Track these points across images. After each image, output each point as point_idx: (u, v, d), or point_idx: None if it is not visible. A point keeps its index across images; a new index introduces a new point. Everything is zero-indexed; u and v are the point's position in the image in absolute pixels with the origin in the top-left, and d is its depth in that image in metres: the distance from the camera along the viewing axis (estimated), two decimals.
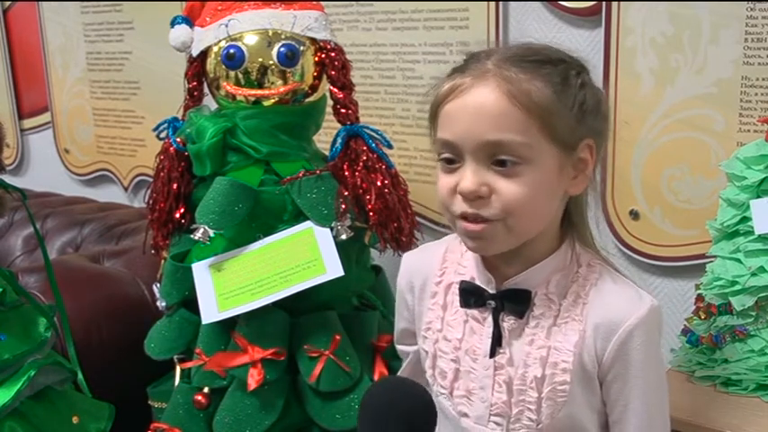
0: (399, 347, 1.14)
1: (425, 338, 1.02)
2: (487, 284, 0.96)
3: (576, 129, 0.89)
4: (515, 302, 0.94)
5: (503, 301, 0.94)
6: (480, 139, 0.86)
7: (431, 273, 1.03)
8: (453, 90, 0.89)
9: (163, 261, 1.51)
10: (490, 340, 0.95)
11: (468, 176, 0.87)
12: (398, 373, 1.13)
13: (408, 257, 1.09)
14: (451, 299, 1.00)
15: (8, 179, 1.35)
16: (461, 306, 0.98)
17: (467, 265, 0.99)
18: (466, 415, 0.97)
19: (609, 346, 0.91)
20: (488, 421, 0.96)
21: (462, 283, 0.97)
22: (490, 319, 0.95)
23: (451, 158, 0.89)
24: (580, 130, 0.89)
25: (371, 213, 1.37)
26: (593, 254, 0.97)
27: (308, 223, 1.37)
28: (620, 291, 0.94)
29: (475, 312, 0.97)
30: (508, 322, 0.94)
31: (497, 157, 0.86)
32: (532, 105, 0.85)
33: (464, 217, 0.89)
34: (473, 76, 0.88)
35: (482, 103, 0.86)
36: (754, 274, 1.17)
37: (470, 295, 0.96)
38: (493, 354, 0.94)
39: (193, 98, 1.48)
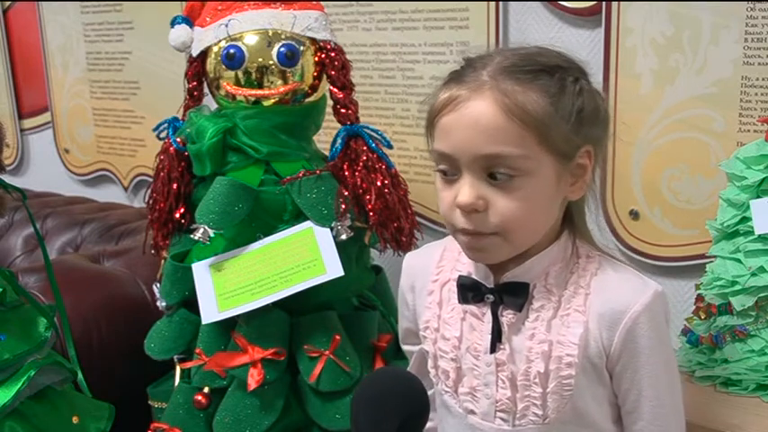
0: (404, 347, 1.14)
1: (425, 338, 1.02)
2: (485, 279, 0.96)
3: (573, 138, 0.88)
4: (514, 295, 0.93)
5: (501, 295, 0.94)
6: (477, 152, 0.86)
7: (429, 271, 1.03)
8: (450, 102, 0.88)
9: (163, 261, 1.51)
10: (490, 336, 0.94)
11: (466, 190, 0.87)
12: None
13: (409, 258, 1.09)
14: (447, 296, 1.00)
15: (8, 179, 1.34)
16: (459, 302, 0.97)
17: (465, 262, 0.99)
18: (473, 412, 0.97)
19: (615, 336, 0.90)
20: (495, 417, 0.96)
21: (460, 278, 0.97)
22: (489, 314, 0.95)
23: (448, 170, 0.90)
24: (578, 139, 0.89)
25: (371, 213, 1.37)
26: (591, 246, 0.97)
27: (308, 223, 1.38)
28: (623, 278, 0.93)
29: (473, 308, 0.96)
30: (507, 317, 0.94)
31: (494, 170, 0.86)
32: (528, 118, 0.85)
33: (463, 232, 0.90)
34: (469, 89, 0.88)
35: (478, 117, 0.86)
36: (754, 274, 1.17)
37: (468, 290, 0.96)
38: (493, 350, 0.94)
39: (193, 98, 1.48)
